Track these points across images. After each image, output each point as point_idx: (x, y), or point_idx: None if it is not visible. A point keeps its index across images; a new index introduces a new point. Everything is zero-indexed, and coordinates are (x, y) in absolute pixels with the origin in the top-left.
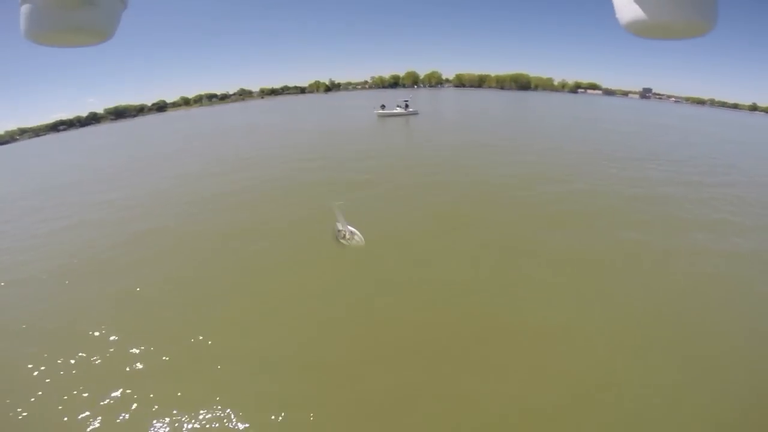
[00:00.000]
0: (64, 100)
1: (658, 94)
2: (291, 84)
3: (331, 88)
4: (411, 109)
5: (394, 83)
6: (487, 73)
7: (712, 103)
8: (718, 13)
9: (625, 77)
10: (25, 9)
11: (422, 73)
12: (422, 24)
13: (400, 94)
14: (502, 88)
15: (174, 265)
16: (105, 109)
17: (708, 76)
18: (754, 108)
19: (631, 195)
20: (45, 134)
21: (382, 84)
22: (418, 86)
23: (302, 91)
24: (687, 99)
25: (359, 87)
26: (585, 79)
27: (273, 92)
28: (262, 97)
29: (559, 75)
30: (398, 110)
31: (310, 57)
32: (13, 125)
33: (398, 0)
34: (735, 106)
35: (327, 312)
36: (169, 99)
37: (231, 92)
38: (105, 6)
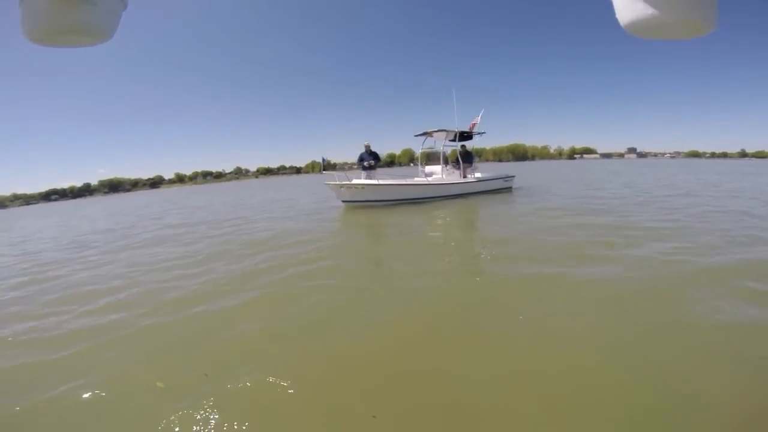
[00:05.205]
0: (76, 169)
1: (650, 153)
2: (287, 164)
3: (327, 167)
4: (487, 174)
5: (390, 162)
6: (482, 147)
7: (705, 155)
8: (717, 14)
9: (608, 141)
10: (23, 8)
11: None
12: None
13: (404, 172)
14: (500, 160)
15: None
16: (99, 181)
17: (688, 130)
18: (743, 155)
19: None
20: (36, 203)
21: None
22: (415, 164)
23: (298, 171)
24: (677, 153)
25: (356, 167)
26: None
27: (268, 171)
28: (257, 177)
29: (547, 142)
30: (451, 176)
31: (307, 135)
32: (8, 190)
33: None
34: (724, 155)
35: None
36: (167, 174)
37: (227, 170)
38: (105, 6)
